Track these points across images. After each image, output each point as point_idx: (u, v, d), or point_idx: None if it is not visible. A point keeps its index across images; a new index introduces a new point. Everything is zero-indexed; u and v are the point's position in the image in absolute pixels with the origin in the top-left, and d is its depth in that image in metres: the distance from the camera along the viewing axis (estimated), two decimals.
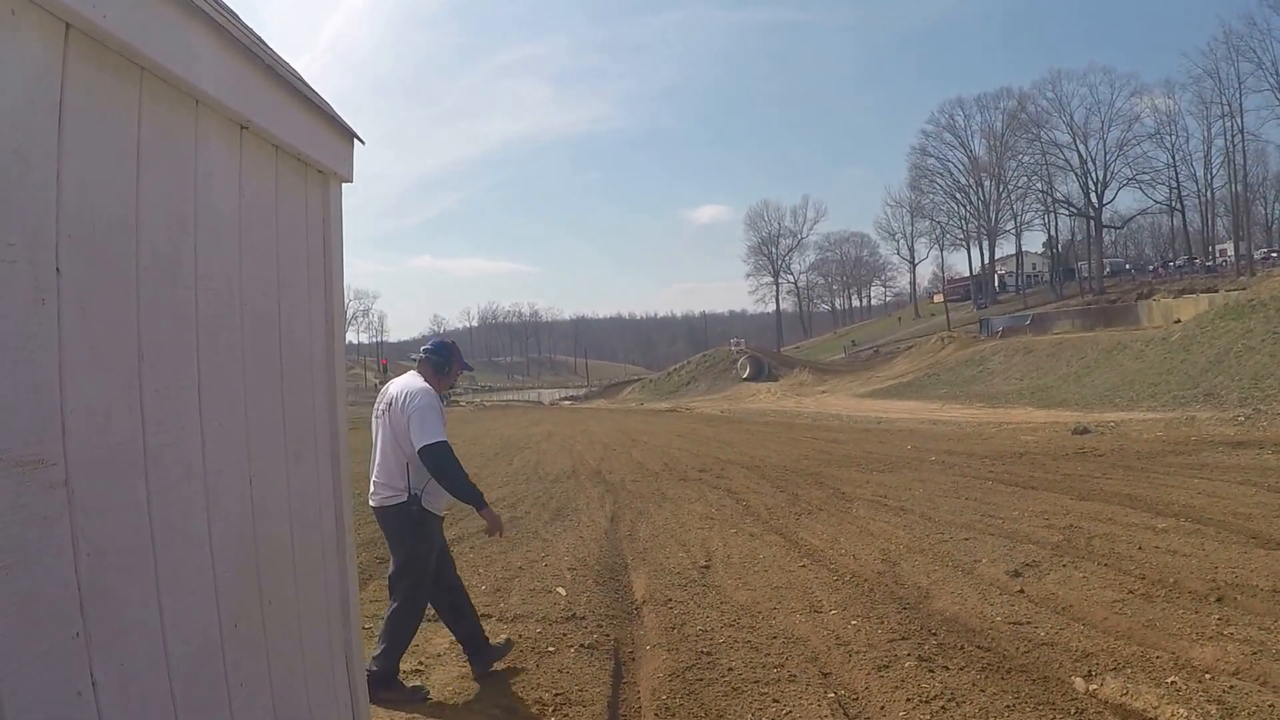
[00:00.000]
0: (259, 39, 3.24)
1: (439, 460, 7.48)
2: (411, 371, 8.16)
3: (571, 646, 9.19)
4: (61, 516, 2.19)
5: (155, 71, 2.59)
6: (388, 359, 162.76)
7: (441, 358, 8.17)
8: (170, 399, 2.74)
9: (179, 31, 2.72)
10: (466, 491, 7.70)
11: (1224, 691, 6.92)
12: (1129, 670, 7.62)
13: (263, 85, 3.29)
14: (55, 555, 2.16)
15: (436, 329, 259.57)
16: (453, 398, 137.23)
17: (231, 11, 3.01)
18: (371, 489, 7.72)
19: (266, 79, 3.30)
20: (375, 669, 7.35)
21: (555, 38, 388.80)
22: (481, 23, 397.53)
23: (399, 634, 7.77)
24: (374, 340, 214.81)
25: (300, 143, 3.69)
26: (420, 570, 7.79)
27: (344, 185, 4.37)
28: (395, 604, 7.77)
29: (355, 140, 4.34)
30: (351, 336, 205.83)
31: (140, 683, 2.48)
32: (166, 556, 2.63)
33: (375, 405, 7.99)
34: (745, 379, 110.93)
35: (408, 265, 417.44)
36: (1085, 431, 31.82)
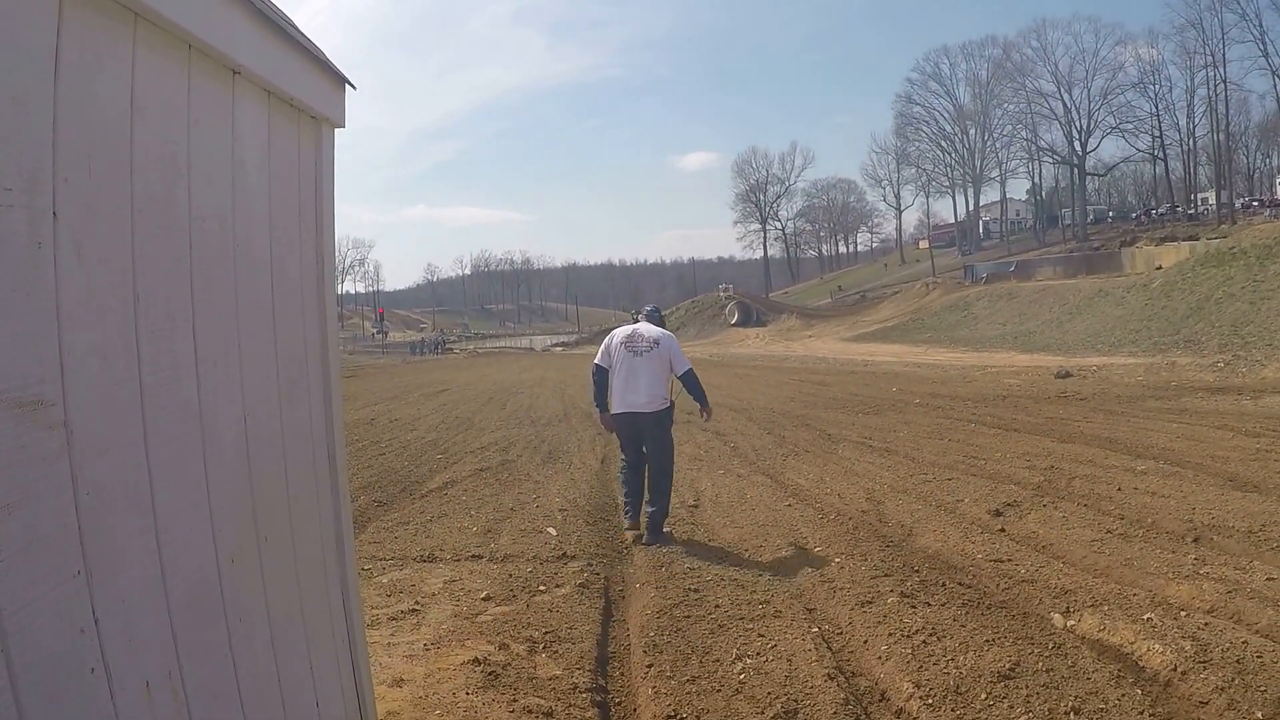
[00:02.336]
0: None
1: (694, 378, 11.23)
2: (645, 322, 11.67)
3: (562, 585, 9.31)
4: (61, 456, 2.22)
5: (148, 16, 2.58)
6: (384, 308, 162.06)
7: (659, 316, 12.01)
8: (165, 339, 2.77)
9: None
10: (703, 395, 11.48)
11: (1199, 628, 7.02)
12: (1106, 607, 7.74)
13: (253, 30, 3.28)
14: (55, 495, 2.20)
15: (430, 277, 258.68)
16: (448, 345, 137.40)
17: None
18: (645, 399, 11.08)
19: (257, 23, 3.30)
20: (654, 510, 11.13)
21: None
22: None
23: (668, 488, 11.41)
24: (370, 289, 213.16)
25: (292, 88, 3.70)
26: (671, 445, 11.48)
27: (336, 131, 4.41)
28: (662, 471, 11.29)
29: (347, 86, 4.36)
30: (348, 286, 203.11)
31: (141, 619, 2.51)
32: (164, 494, 2.67)
33: (623, 341, 11.30)
34: (734, 324, 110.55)
35: (403, 215, 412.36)
36: (1067, 375, 32.07)
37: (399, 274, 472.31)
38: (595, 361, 11.48)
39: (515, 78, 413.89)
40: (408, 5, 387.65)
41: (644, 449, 11.40)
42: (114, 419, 2.50)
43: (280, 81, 3.60)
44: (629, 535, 11.17)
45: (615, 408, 11.30)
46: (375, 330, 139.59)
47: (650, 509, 11.16)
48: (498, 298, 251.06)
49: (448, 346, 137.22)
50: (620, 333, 11.48)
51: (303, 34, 3.75)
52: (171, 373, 2.81)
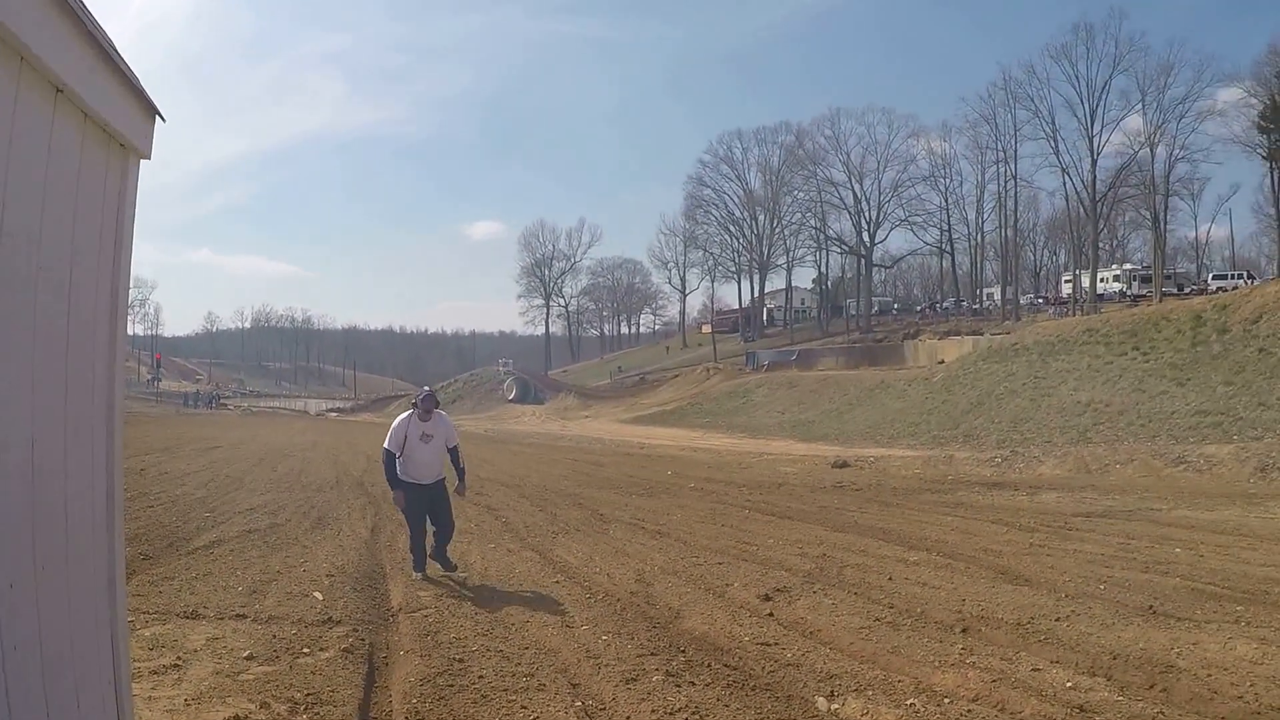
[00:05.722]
0: None
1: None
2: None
3: (326, 649, 9.13)
4: None
5: None
6: (162, 354, 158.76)
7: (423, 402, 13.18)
8: None
9: None
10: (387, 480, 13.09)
11: (961, 715, 7.23)
12: (870, 692, 7.88)
13: (80, 49, 3.23)
14: None
15: (210, 327, 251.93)
16: (222, 401, 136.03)
17: None
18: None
19: (85, 43, 3.25)
20: (410, 547, 13.03)
21: (357, 31, 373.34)
22: (281, 7, 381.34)
23: (413, 539, 12.90)
24: (149, 333, 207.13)
25: (108, 112, 3.64)
26: (403, 507, 12.93)
27: (142, 163, 4.32)
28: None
29: (157, 117, 4.29)
30: (127, 327, 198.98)
31: None
32: None
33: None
34: (511, 400, 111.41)
35: (187, 257, 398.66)
36: (845, 465, 32.76)
37: (180, 319, 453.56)
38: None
39: (313, 124, 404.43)
40: (207, 34, 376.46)
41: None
42: None
43: (98, 105, 3.58)
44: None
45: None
46: (150, 377, 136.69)
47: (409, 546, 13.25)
48: (276, 355, 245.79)
49: (221, 402, 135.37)
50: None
51: (123, 58, 3.66)
52: None
